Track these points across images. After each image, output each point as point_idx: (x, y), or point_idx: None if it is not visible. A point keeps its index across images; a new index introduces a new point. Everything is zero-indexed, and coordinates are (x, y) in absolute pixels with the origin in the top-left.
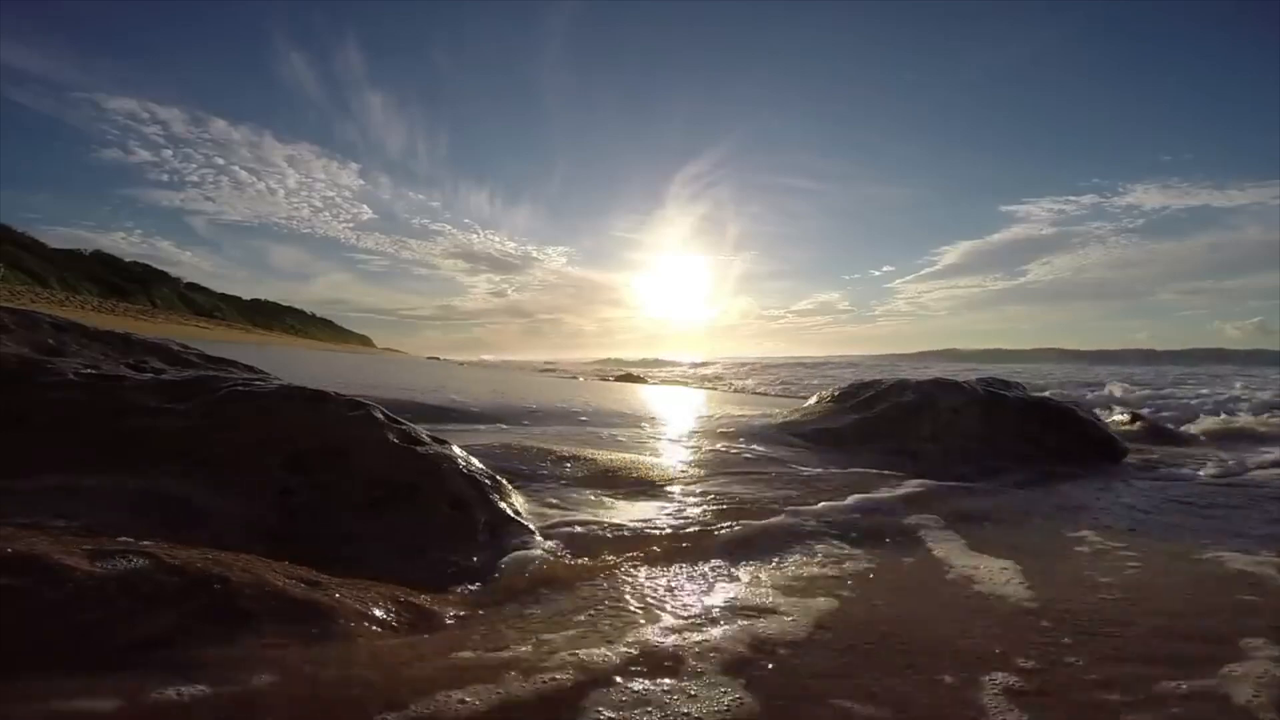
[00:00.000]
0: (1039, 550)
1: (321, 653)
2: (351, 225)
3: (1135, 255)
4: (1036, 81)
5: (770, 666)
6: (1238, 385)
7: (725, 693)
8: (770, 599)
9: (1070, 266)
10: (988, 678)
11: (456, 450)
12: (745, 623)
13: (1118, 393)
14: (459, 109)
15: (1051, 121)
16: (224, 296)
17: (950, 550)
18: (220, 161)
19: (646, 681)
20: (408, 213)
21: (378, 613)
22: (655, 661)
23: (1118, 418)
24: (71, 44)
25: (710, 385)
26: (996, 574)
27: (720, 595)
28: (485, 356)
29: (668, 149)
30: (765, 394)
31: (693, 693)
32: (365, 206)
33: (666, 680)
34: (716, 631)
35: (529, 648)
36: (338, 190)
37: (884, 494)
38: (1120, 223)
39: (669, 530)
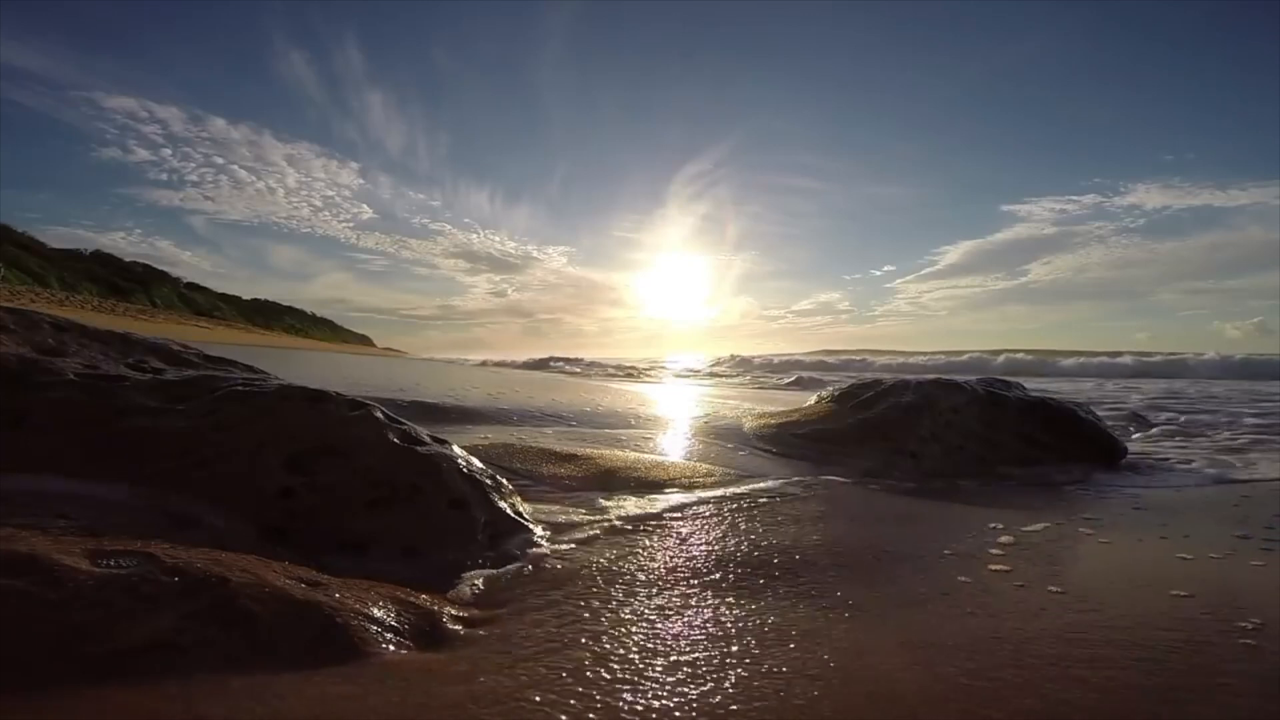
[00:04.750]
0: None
1: (321, 654)
2: (351, 225)
3: (1136, 255)
4: (1036, 81)
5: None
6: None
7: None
8: (779, 608)
9: (1071, 266)
10: None
11: (456, 450)
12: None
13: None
14: (459, 108)
15: (1052, 121)
16: (224, 296)
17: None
18: (219, 160)
19: (662, 691)
20: (408, 212)
21: (378, 613)
22: (665, 668)
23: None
24: (70, 43)
25: (707, 384)
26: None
27: (722, 602)
28: (472, 356)
29: (668, 148)
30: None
31: (708, 694)
32: (365, 206)
33: (682, 688)
34: (721, 634)
35: (531, 652)
36: (337, 189)
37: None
38: (1121, 222)
39: (671, 532)
